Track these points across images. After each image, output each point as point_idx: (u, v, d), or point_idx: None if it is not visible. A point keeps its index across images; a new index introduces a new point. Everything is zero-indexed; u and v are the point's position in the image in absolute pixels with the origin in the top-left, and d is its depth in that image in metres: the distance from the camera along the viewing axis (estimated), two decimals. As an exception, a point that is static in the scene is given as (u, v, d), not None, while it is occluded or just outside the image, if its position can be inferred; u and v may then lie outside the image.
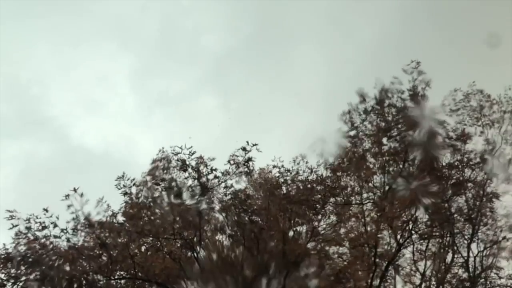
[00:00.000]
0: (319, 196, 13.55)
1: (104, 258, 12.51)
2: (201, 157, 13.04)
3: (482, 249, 15.47)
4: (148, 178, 13.18)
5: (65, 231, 12.17)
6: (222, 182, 13.08)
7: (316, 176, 13.92)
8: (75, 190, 12.07)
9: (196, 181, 12.92)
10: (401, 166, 14.36)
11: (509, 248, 15.53)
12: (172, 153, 12.99)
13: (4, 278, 11.62)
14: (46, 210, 12.00)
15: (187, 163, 12.87)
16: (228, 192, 13.24)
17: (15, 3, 27.15)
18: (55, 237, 12.09)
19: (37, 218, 11.94)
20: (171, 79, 33.31)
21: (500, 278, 15.46)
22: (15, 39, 28.81)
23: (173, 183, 12.87)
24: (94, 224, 12.54)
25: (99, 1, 30.29)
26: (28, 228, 11.88)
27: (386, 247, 14.99)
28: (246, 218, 13.17)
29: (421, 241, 15.37)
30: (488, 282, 15.53)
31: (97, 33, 32.19)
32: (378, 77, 14.31)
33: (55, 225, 12.09)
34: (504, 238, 15.39)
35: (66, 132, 30.73)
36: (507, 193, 15.46)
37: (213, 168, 13.00)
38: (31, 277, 11.76)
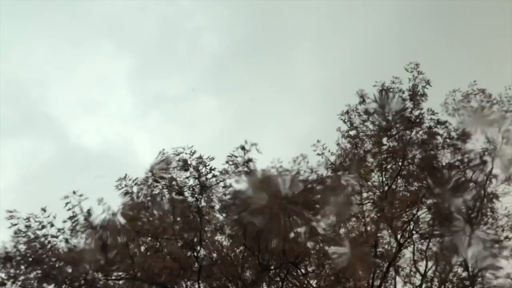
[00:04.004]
0: (319, 195, 13.57)
1: (104, 258, 12.51)
2: (200, 157, 13.06)
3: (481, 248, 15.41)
4: (150, 177, 13.20)
5: (62, 230, 12.22)
6: (220, 181, 13.09)
7: (316, 176, 13.99)
8: (74, 192, 12.16)
9: (196, 180, 12.93)
10: (399, 165, 14.38)
11: (510, 247, 15.47)
12: (174, 154, 13.03)
13: (5, 278, 11.63)
14: (44, 209, 12.06)
15: (189, 162, 12.88)
16: (227, 192, 13.25)
17: (14, 3, 27.13)
18: (53, 236, 12.13)
19: (36, 217, 11.98)
20: (170, 80, 33.28)
21: (496, 278, 15.41)
22: (14, 39, 28.80)
23: (174, 182, 12.89)
24: (94, 224, 12.54)
25: (98, 1, 30.28)
26: (28, 227, 11.92)
27: (386, 247, 14.96)
28: (247, 218, 13.17)
29: (422, 241, 15.34)
30: (485, 282, 15.48)
31: (96, 33, 32.14)
32: (378, 78, 14.38)
33: (52, 225, 12.15)
34: (506, 237, 15.34)
35: (65, 132, 30.68)
36: (508, 194, 15.45)
37: (212, 167, 13.02)
38: (31, 276, 11.77)
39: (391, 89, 14.48)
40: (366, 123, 14.82)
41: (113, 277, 12.91)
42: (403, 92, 14.40)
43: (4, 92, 26.93)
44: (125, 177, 13.09)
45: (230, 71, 33.24)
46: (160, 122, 32.41)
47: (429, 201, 14.97)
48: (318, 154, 14.31)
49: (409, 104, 14.38)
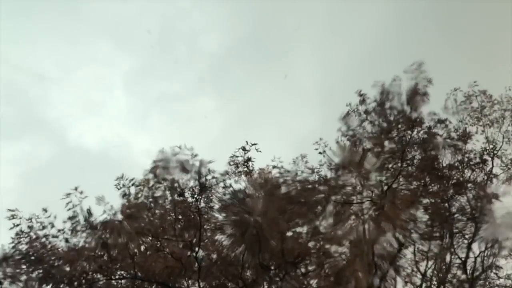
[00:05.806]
0: (320, 196, 13.54)
1: (105, 258, 12.49)
2: (201, 160, 13.05)
3: (483, 249, 15.41)
4: (149, 177, 13.17)
5: (62, 231, 12.24)
6: (220, 182, 13.09)
7: (317, 176, 13.98)
8: (75, 189, 12.15)
9: (196, 181, 12.92)
10: (399, 165, 14.36)
11: (510, 247, 15.48)
12: (173, 154, 12.99)
13: (1, 276, 11.65)
14: (45, 210, 12.07)
15: (190, 164, 12.88)
16: (227, 192, 13.24)
17: (14, 3, 27.14)
18: (53, 236, 12.14)
19: (38, 217, 12.01)
20: (169, 80, 33.30)
21: (499, 278, 15.41)
22: (13, 40, 28.79)
23: (175, 184, 12.86)
24: (95, 224, 12.52)
25: (97, 1, 30.28)
26: (30, 227, 11.95)
27: (386, 246, 14.93)
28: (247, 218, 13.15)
29: (422, 241, 15.32)
30: (487, 283, 15.48)
31: (95, 34, 32.15)
32: (378, 78, 14.34)
33: (53, 226, 12.18)
34: (506, 237, 15.34)
35: (64, 133, 30.72)
36: (508, 193, 15.44)
37: (211, 169, 13.03)
38: (31, 276, 11.77)
39: (391, 90, 14.46)
40: (365, 124, 14.77)
41: (114, 277, 12.87)
42: (401, 91, 14.38)
43: (3, 93, 26.94)
44: (122, 177, 13.08)
45: (230, 71, 33.25)
46: (159, 122, 32.43)
47: (428, 201, 14.98)
48: (320, 152, 14.27)
49: (409, 104, 14.34)
